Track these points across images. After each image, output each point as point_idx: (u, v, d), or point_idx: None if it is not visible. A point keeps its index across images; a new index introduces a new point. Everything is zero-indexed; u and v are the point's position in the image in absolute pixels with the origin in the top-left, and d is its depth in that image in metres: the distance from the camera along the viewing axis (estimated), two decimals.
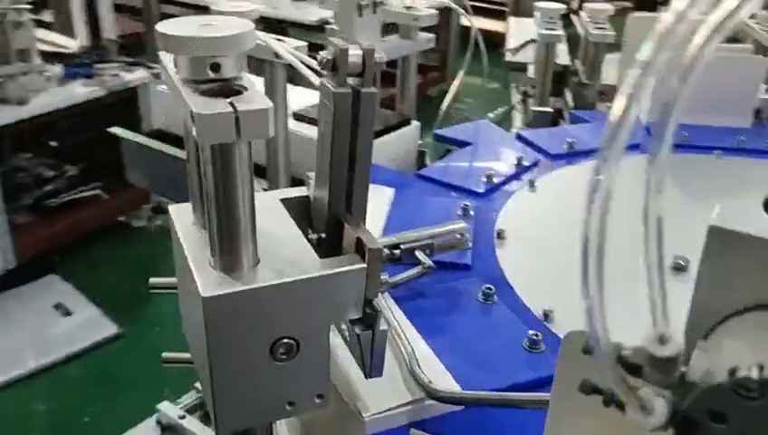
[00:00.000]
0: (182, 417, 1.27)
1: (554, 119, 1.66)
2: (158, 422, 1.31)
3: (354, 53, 0.55)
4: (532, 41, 2.04)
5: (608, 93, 1.60)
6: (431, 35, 1.26)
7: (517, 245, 0.97)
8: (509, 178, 1.15)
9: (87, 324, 2.46)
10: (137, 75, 2.75)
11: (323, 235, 0.61)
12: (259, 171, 1.15)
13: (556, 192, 1.13)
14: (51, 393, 2.20)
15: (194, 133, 0.47)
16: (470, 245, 0.87)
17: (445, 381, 0.64)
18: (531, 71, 1.82)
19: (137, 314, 2.55)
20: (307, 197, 0.66)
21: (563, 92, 1.76)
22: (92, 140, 2.94)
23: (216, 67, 0.51)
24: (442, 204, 1.05)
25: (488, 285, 0.82)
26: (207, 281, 0.52)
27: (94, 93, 2.62)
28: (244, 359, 0.54)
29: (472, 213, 1.01)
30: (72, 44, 2.88)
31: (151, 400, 2.05)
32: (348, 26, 1.16)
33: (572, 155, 1.25)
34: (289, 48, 0.75)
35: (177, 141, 1.38)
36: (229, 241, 0.53)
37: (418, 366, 0.64)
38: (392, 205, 1.03)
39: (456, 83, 1.42)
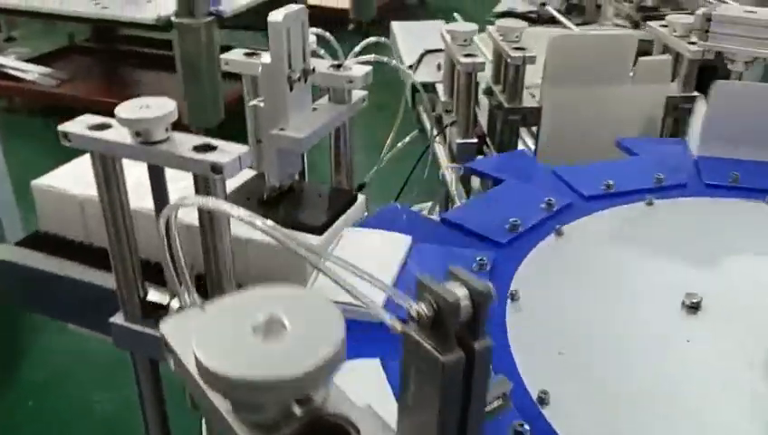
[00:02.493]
0: None
1: (479, 147, 1.54)
2: None
3: (465, 303, 0.38)
4: (429, 52, 1.91)
5: (531, 117, 1.50)
6: (364, 92, 1.09)
7: (531, 308, 0.88)
8: (536, 225, 1.04)
9: None
10: None
11: None
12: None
13: (584, 243, 1.03)
14: None
15: None
16: (512, 406, 0.73)
17: None
18: (440, 89, 1.69)
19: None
20: None
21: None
22: None
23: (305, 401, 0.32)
24: (458, 257, 0.95)
25: None
26: None
27: None
28: None
29: (488, 268, 0.93)
30: None
31: None
32: (279, 107, 0.96)
33: (609, 197, 1.13)
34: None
35: (64, 248, 1.12)
36: None
37: None
38: (409, 254, 0.95)
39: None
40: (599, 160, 1.26)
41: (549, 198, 1.09)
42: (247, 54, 1.09)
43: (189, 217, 1.00)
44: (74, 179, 1.10)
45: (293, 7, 0.94)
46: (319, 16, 4.83)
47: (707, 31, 1.24)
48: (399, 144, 1.67)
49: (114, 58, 4.70)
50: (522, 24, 1.53)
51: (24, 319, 2.56)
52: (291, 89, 0.96)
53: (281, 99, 0.96)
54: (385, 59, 1.19)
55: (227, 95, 3.97)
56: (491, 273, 0.93)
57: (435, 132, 1.56)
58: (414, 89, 1.74)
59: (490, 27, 1.57)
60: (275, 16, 0.91)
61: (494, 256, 0.96)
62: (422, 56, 1.86)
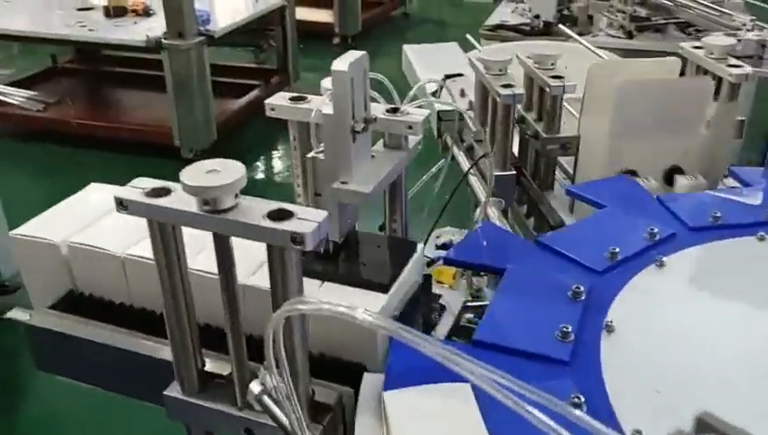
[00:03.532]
0: None
1: (518, 178, 1.49)
2: None
3: None
4: (449, 77, 1.86)
5: (570, 146, 1.45)
6: (419, 137, 1.03)
7: (626, 341, 0.86)
8: (636, 254, 1.01)
9: None
10: None
11: None
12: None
13: (687, 276, 0.99)
14: None
15: None
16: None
17: None
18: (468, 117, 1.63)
19: None
20: None
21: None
22: None
23: None
24: (553, 283, 0.94)
25: (578, 394, 0.73)
26: None
27: None
28: None
29: (583, 297, 0.91)
30: None
31: None
32: (342, 159, 0.90)
33: (716, 229, 1.08)
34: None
35: (98, 308, 1.05)
36: None
37: None
38: (506, 278, 0.97)
39: None
40: None
41: (651, 227, 1.05)
42: (293, 99, 1.03)
43: (247, 278, 0.94)
44: (113, 237, 1.03)
45: (356, 54, 0.88)
46: (304, 30, 4.78)
47: (762, 57, 1.20)
48: (425, 177, 1.62)
49: (100, 79, 4.61)
50: (554, 49, 1.49)
51: (20, 357, 2.46)
52: (354, 140, 0.90)
53: (344, 151, 0.90)
54: (440, 102, 1.14)
55: (218, 115, 3.90)
56: (586, 301, 0.91)
57: (467, 164, 1.50)
58: (439, 117, 1.69)
59: (518, 53, 1.53)
60: (339, 65, 0.85)
61: (590, 284, 0.93)
62: (444, 80, 1.80)
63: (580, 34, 3.86)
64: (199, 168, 0.76)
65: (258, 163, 4.10)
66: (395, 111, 0.99)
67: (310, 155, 0.94)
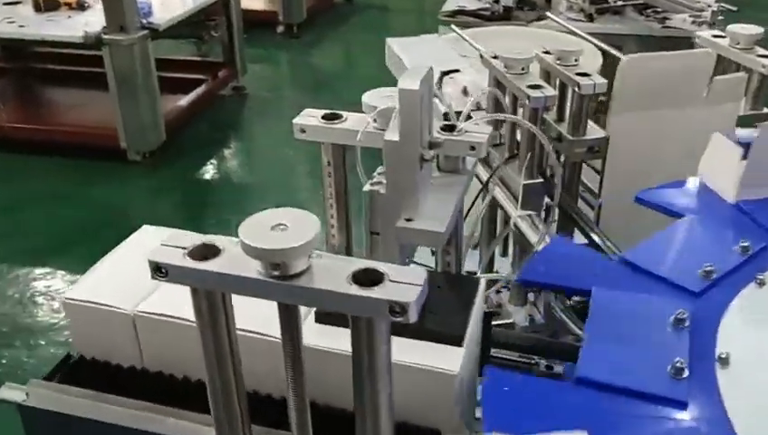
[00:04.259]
0: None
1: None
2: None
3: None
4: (445, 73, 1.72)
5: (599, 149, 1.34)
6: (475, 158, 0.89)
7: (748, 375, 0.76)
8: (731, 272, 0.92)
9: None
10: None
11: None
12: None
13: None
14: None
15: None
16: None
17: None
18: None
19: None
20: None
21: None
22: None
23: None
24: (652, 308, 0.84)
25: None
26: None
27: None
28: None
29: (687, 324, 0.81)
30: None
31: None
32: (408, 193, 0.75)
33: None
34: None
35: (102, 375, 0.88)
36: None
37: None
38: (595, 303, 0.86)
39: None
40: None
41: (743, 239, 0.96)
42: (327, 118, 0.88)
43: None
44: (120, 290, 0.86)
45: (422, 69, 0.73)
46: (246, 19, 4.53)
47: None
48: None
49: (31, 77, 4.27)
50: (576, 45, 1.37)
51: None
52: (421, 168, 0.76)
53: (410, 183, 0.75)
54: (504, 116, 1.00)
55: (166, 114, 3.66)
56: (690, 328, 0.81)
57: (483, 172, 1.37)
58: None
59: (535, 49, 1.40)
60: (409, 83, 0.70)
61: (690, 308, 0.83)
62: (440, 80, 1.66)
63: (539, 19, 3.78)
64: (261, 221, 0.61)
65: (213, 161, 3.88)
66: (451, 128, 0.85)
67: (367, 188, 0.79)
